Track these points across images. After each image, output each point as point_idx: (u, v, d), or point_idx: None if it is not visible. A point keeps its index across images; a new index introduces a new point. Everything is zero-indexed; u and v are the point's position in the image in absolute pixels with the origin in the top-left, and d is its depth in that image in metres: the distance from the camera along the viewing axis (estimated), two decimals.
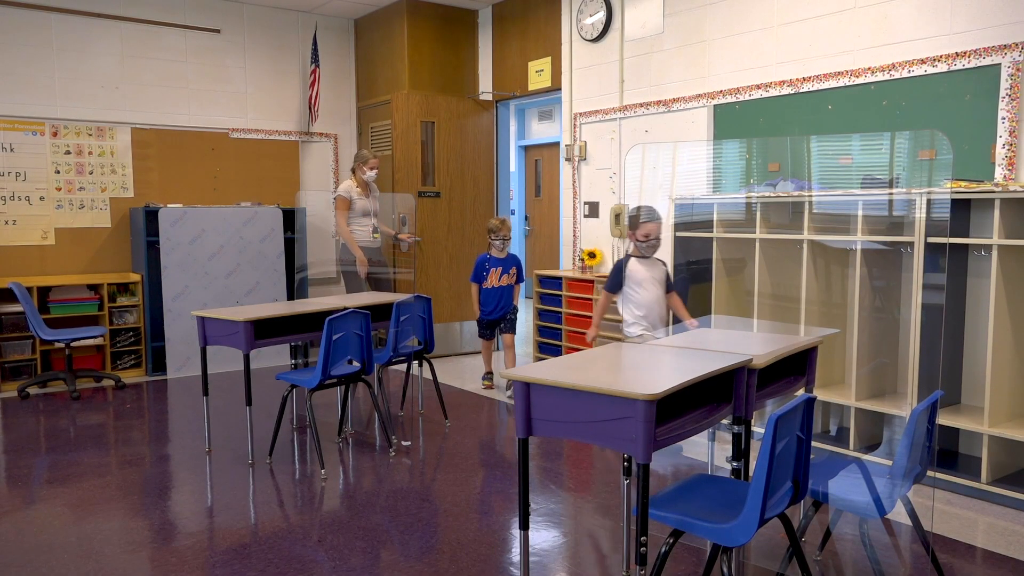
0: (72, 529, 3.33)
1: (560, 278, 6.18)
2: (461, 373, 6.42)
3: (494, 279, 5.57)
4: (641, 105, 5.71)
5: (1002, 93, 3.80)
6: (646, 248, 4.11)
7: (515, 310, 5.71)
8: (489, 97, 7.27)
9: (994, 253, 3.51)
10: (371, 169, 5.99)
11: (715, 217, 4.64)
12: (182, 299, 6.24)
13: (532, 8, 6.71)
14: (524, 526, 2.47)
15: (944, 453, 3.84)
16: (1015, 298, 3.59)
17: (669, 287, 4.25)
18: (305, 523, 3.40)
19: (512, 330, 5.68)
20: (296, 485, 3.89)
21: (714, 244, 4.65)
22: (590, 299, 5.85)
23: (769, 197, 4.38)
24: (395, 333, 4.53)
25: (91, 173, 6.49)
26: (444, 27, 7.19)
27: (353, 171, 6.04)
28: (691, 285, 4.92)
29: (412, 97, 6.91)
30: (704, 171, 5.30)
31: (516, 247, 10.65)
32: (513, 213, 10.43)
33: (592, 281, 5.83)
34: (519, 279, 5.70)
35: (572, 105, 6.32)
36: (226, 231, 6.47)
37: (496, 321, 5.66)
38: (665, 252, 5.24)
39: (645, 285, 4.17)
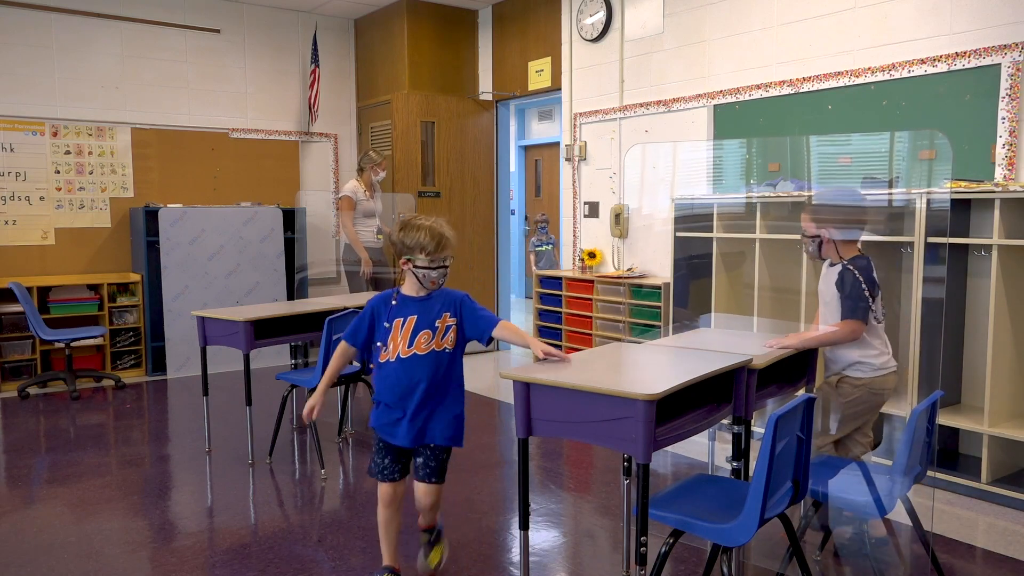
0: (72, 529, 3.33)
1: (560, 278, 6.18)
2: None
3: (400, 342, 2.61)
4: (641, 105, 5.71)
5: (1002, 93, 3.80)
6: (808, 248, 3.10)
7: (448, 444, 2.67)
8: (489, 97, 7.27)
9: (994, 253, 3.51)
10: (383, 170, 6.06)
11: (715, 217, 4.64)
12: (182, 299, 6.24)
13: (532, 8, 6.71)
14: (524, 526, 2.47)
15: (944, 453, 3.84)
16: (1015, 298, 3.59)
17: (842, 310, 2.94)
18: (305, 523, 3.40)
19: (436, 478, 2.68)
20: (296, 485, 3.89)
21: (714, 244, 4.65)
22: (590, 299, 5.85)
23: (769, 197, 4.38)
24: None
25: (91, 173, 6.48)
26: (444, 27, 7.19)
27: (361, 171, 6.05)
28: (691, 284, 4.92)
29: (412, 97, 6.91)
30: (704, 171, 5.30)
31: (516, 248, 10.61)
32: (513, 213, 10.42)
33: (592, 281, 5.82)
34: (463, 336, 2.68)
35: (572, 105, 6.32)
36: (226, 231, 6.47)
37: (405, 452, 2.68)
38: (665, 251, 5.25)
39: (822, 303, 3.12)
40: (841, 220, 3.04)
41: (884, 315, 3.05)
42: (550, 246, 8.92)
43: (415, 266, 2.60)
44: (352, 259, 5.98)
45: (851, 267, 2.93)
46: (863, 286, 2.90)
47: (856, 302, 2.90)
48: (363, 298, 4.94)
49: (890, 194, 3.92)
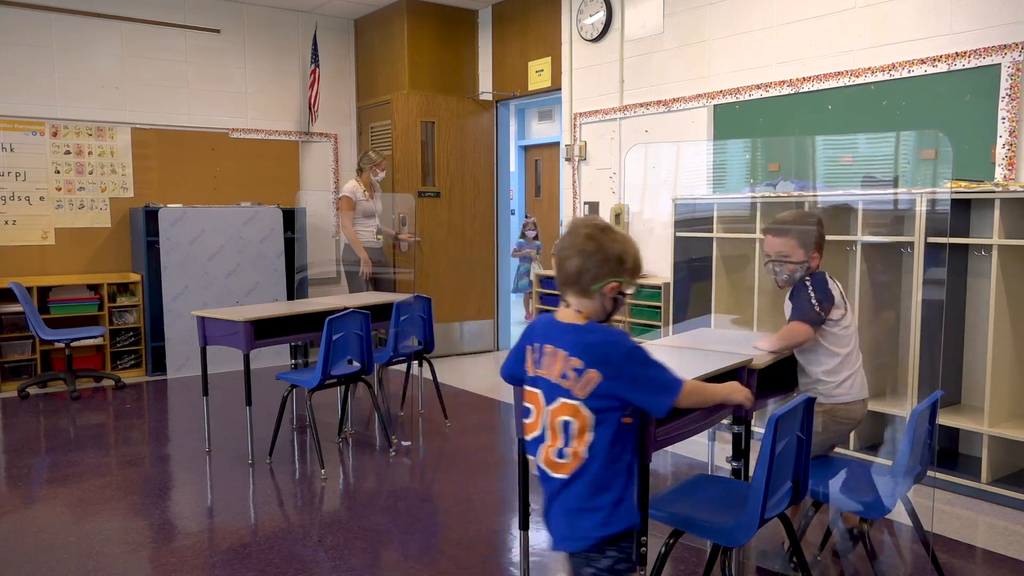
0: (72, 529, 3.33)
1: None
2: (461, 373, 6.42)
3: None
4: (641, 105, 5.71)
5: (1002, 93, 3.80)
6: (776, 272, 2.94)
7: None
8: (489, 97, 7.27)
9: (994, 253, 3.51)
10: (382, 171, 6.06)
11: (715, 217, 4.64)
12: (182, 299, 6.24)
13: (532, 8, 6.71)
14: (524, 526, 2.47)
15: (944, 453, 3.84)
16: (1015, 298, 3.59)
17: (791, 314, 2.90)
18: (305, 523, 3.40)
19: None
20: (296, 485, 3.89)
21: (714, 244, 4.65)
22: None
23: (769, 197, 4.38)
24: (395, 333, 4.53)
25: (91, 173, 6.48)
26: (444, 27, 7.18)
27: (360, 171, 6.05)
28: (692, 285, 4.92)
29: (412, 97, 6.91)
30: (704, 171, 5.30)
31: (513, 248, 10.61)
32: (513, 213, 10.43)
33: None
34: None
35: (572, 105, 6.32)
36: (226, 231, 6.47)
37: None
38: (665, 252, 5.24)
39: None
40: (805, 243, 2.89)
41: (850, 328, 2.86)
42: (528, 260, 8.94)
43: (620, 292, 1.93)
44: (352, 259, 5.98)
45: (805, 280, 2.85)
46: (811, 294, 2.81)
47: (803, 306, 2.80)
48: (363, 299, 4.94)
49: (890, 194, 3.92)
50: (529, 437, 1.99)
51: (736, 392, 2.18)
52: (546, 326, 1.97)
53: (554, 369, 1.90)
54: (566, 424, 1.88)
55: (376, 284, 6.10)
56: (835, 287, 2.88)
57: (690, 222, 4.84)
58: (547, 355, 1.92)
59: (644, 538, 2.20)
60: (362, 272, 5.91)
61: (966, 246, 3.79)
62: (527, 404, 1.97)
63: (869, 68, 4.34)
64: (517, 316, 9.00)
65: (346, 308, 4.14)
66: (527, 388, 1.98)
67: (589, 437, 1.88)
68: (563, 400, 1.88)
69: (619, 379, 1.85)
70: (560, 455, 1.91)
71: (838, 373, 2.84)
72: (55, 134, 6.32)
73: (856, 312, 3.94)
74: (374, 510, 3.54)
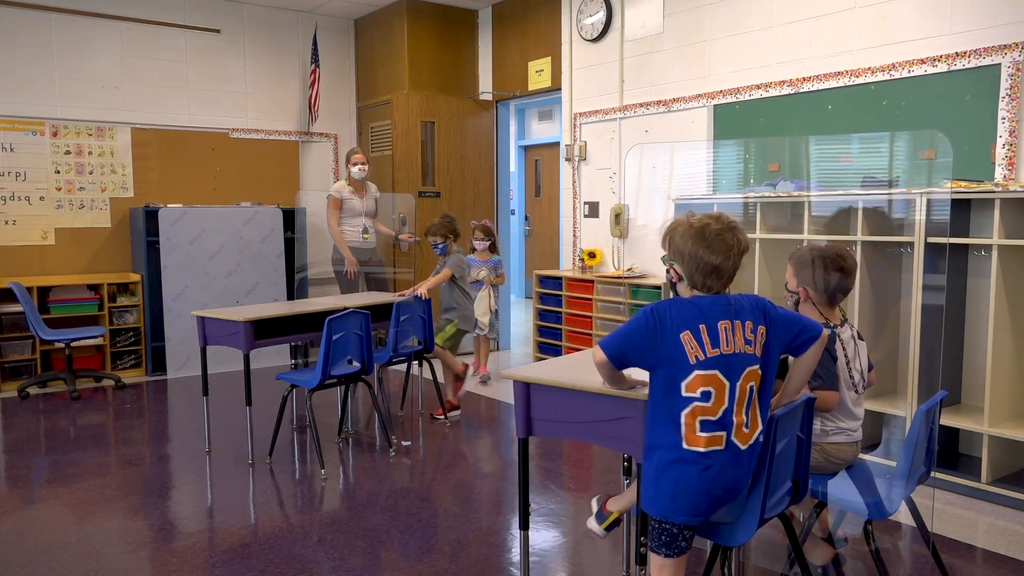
0: (72, 529, 3.33)
1: (560, 278, 6.18)
2: None
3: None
4: (641, 105, 5.71)
5: (1002, 93, 3.80)
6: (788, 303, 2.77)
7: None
8: (489, 97, 7.27)
9: (994, 253, 3.51)
10: (354, 165, 5.96)
11: None
12: (182, 299, 6.24)
13: (532, 8, 6.71)
14: (524, 526, 2.47)
15: (944, 453, 3.84)
16: (1015, 298, 3.59)
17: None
18: (305, 523, 3.40)
19: None
20: (296, 485, 3.89)
21: None
22: (590, 299, 5.85)
23: (769, 197, 4.38)
24: (395, 333, 4.53)
25: (91, 173, 6.48)
26: (444, 27, 7.19)
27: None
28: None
29: (412, 97, 6.91)
30: (704, 171, 5.30)
31: (516, 247, 10.63)
32: (513, 213, 10.43)
33: (592, 281, 5.82)
34: None
35: (572, 105, 6.32)
36: (226, 231, 6.47)
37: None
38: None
39: None
40: (821, 280, 2.69)
41: (851, 384, 2.67)
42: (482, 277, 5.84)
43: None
44: (339, 258, 5.99)
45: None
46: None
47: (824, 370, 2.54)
48: (363, 298, 4.94)
49: (890, 194, 3.92)
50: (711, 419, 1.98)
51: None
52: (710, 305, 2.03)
53: (737, 339, 1.99)
54: (750, 390, 2.01)
55: (372, 284, 6.10)
56: (841, 354, 2.65)
57: None
58: (724, 331, 1.99)
59: (643, 538, 2.21)
60: (347, 271, 5.91)
61: (966, 246, 3.79)
62: (706, 388, 1.96)
63: (869, 68, 4.34)
64: (517, 316, 9.00)
65: (346, 308, 4.14)
66: (699, 373, 1.96)
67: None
68: (749, 368, 2.01)
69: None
70: (747, 425, 2.02)
71: (831, 422, 2.64)
72: (55, 134, 6.32)
73: (856, 312, 3.94)
74: (374, 510, 3.54)
